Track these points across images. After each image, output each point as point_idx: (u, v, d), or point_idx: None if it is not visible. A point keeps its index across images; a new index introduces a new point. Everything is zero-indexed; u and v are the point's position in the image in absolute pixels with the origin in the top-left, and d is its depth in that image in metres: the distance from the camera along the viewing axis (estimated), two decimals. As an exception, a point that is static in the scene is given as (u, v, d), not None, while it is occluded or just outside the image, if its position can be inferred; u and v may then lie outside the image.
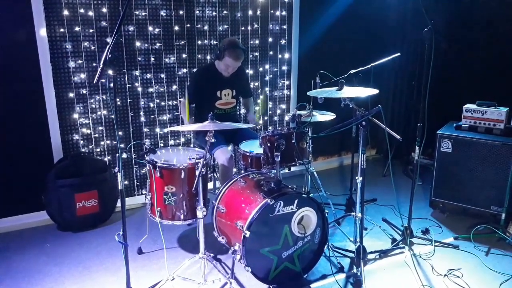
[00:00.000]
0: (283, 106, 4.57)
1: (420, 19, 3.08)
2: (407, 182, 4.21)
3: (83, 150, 3.64)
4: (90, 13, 3.43)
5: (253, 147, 3.18)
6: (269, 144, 2.78)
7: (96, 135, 3.67)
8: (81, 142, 3.62)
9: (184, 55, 3.87)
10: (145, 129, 3.86)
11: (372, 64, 3.29)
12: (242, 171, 3.10)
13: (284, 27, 4.32)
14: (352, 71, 3.28)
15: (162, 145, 3.96)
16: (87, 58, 3.50)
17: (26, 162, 3.41)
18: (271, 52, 4.31)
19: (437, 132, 3.59)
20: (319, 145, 4.66)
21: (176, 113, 3.95)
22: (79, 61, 3.48)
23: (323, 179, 3.84)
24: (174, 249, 3.16)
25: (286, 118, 4.47)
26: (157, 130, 3.92)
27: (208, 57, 3.97)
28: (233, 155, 3.40)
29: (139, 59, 3.70)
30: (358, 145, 2.70)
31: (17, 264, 2.97)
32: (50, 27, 3.32)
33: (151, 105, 3.84)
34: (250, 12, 4.09)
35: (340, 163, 5.14)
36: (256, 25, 4.16)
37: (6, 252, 3.12)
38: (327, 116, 3.40)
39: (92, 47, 3.50)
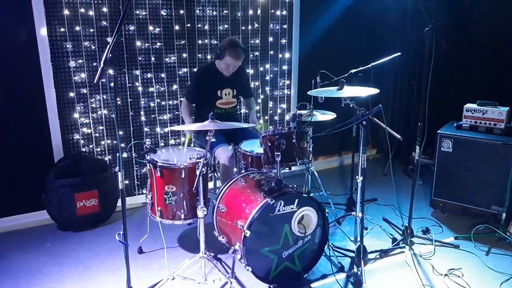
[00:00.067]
0: (284, 106, 4.57)
1: (420, 19, 3.09)
2: (408, 181, 4.21)
3: (83, 149, 3.64)
4: (91, 13, 3.43)
5: (253, 146, 3.18)
6: (269, 144, 2.78)
7: (97, 134, 3.67)
8: (82, 141, 3.62)
9: (184, 55, 3.87)
10: (146, 129, 3.86)
11: (372, 64, 3.29)
12: (243, 171, 3.10)
13: (285, 26, 4.32)
14: (353, 71, 3.28)
15: (162, 144, 3.96)
16: (87, 57, 3.50)
17: (27, 161, 3.41)
18: (271, 52, 4.31)
19: (438, 131, 3.59)
20: (320, 144, 4.66)
21: (176, 112, 3.95)
22: (80, 61, 3.48)
23: (323, 178, 3.84)
24: (174, 248, 3.16)
25: (287, 117, 4.47)
26: (158, 129, 3.92)
27: (209, 57, 3.97)
28: (234, 154, 3.39)
29: (140, 58, 3.70)
30: (359, 145, 2.70)
31: (17, 263, 2.98)
32: (51, 26, 3.32)
33: (152, 104, 3.84)
34: (250, 12, 4.09)
35: (341, 163, 5.14)
36: (256, 25, 4.16)
37: (6, 251, 3.12)
38: (327, 116, 3.40)
39: (93, 47, 3.50)
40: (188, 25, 3.83)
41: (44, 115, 3.42)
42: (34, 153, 3.44)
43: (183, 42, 3.84)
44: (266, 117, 4.46)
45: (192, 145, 3.68)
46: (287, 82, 4.51)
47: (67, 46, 3.41)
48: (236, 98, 3.61)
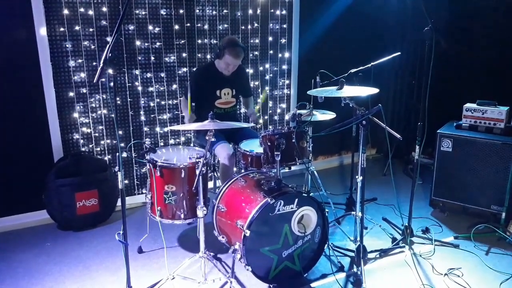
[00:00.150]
0: (283, 105, 4.57)
1: (420, 18, 3.08)
2: (407, 181, 4.21)
3: (83, 149, 3.64)
4: (90, 12, 3.43)
5: (253, 146, 3.18)
6: (269, 143, 2.78)
7: (96, 134, 3.67)
8: (81, 141, 3.62)
9: (184, 54, 3.87)
10: (145, 128, 3.86)
11: (372, 63, 3.29)
12: (243, 170, 3.10)
13: (284, 26, 4.32)
14: (352, 70, 3.28)
15: (162, 144, 3.96)
16: (87, 57, 3.50)
17: (26, 161, 3.41)
18: (271, 51, 4.31)
19: (437, 131, 3.59)
20: (319, 144, 4.66)
21: (176, 112, 3.95)
22: (79, 60, 3.48)
23: (323, 178, 3.84)
24: (174, 248, 3.16)
25: (286, 117, 4.47)
26: (157, 129, 3.92)
27: (208, 56, 3.96)
28: (234, 153, 3.39)
29: (139, 58, 3.70)
30: (358, 144, 2.70)
31: (18, 263, 2.98)
32: (50, 26, 3.31)
33: (151, 104, 3.84)
34: (250, 11, 4.09)
35: (340, 162, 5.14)
36: (256, 24, 4.16)
37: (6, 251, 3.12)
38: (327, 115, 3.40)
39: (92, 46, 3.49)
40: (188, 24, 3.83)
41: (44, 115, 3.42)
42: (34, 152, 3.44)
43: (182, 41, 3.84)
44: (266, 117, 4.46)
45: (192, 144, 3.68)
46: (287, 81, 4.51)
47: (67, 45, 3.41)
48: (235, 98, 3.60)
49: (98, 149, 3.70)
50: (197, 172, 2.63)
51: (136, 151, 3.86)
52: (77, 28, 3.41)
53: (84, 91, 3.55)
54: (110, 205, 3.58)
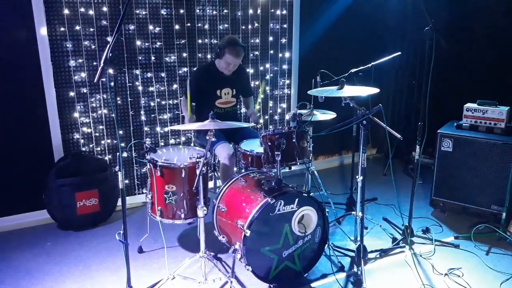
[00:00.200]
0: (284, 105, 4.57)
1: (420, 18, 3.08)
2: (408, 181, 4.21)
3: (83, 149, 3.64)
4: (91, 12, 3.43)
5: (253, 146, 3.18)
6: (269, 143, 2.78)
7: (97, 134, 3.67)
8: (82, 141, 3.62)
9: (184, 54, 3.87)
10: (146, 128, 3.86)
11: (372, 63, 3.29)
12: (243, 170, 3.10)
13: (285, 26, 4.32)
14: (353, 70, 3.28)
15: (162, 144, 3.96)
16: (87, 57, 3.50)
17: (27, 161, 3.41)
18: (271, 51, 4.31)
19: (438, 131, 3.59)
20: (320, 144, 4.66)
21: (176, 112, 3.95)
22: (80, 60, 3.48)
23: (323, 178, 3.84)
24: (174, 248, 3.16)
25: (287, 117, 4.47)
26: (158, 129, 3.92)
27: (209, 56, 3.96)
28: (234, 153, 3.39)
29: (140, 58, 3.70)
30: (359, 144, 2.70)
31: (18, 263, 2.98)
32: (51, 26, 3.32)
33: (152, 104, 3.84)
34: (250, 11, 4.09)
35: (341, 162, 5.14)
36: (256, 24, 4.16)
37: (6, 251, 3.12)
38: (327, 115, 3.40)
39: (93, 46, 3.50)
40: (188, 24, 3.83)
41: (44, 115, 3.42)
42: (34, 152, 3.44)
43: (183, 41, 3.84)
44: (266, 117, 4.45)
45: (192, 144, 3.68)
46: (287, 81, 4.51)
47: (67, 45, 3.41)
48: (235, 98, 3.60)
49: (99, 149, 3.70)
50: (198, 172, 2.63)
51: (136, 151, 3.86)
52: (77, 28, 3.41)
53: (85, 91, 3.55)
54: (110, 205, 3.58)
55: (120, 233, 2.29)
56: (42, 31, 3.28)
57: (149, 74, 3.77)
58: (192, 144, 3.94)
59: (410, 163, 4.71)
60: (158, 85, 3.82)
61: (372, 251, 3.03)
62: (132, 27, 3.61)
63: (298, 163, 2.84)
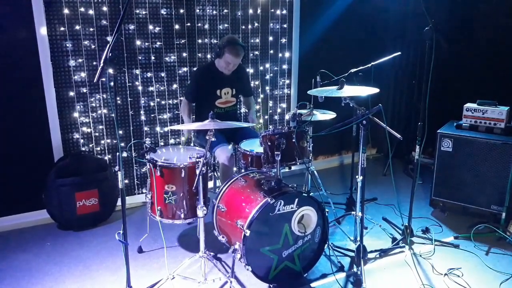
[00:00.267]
0: (284, 105, 4.57)
1: (420, 18, 3.08)
2: (408, 181, 4.21)
3: (83, 149, 3.64)
4: (91, 12, 3.43)
5: (253, 146, 3.18)
6: (269, 143, 2.78)
7: (97, 134, 3.67)
8: (82, 141, 3.62)
9: (184, 54, 3.87)
10: (146, 128, 3.86)
11: (372, 63, 3.29)
12: (243, 170, 3.10)
13: (285, 26, 4.32)
14: (353, 70, 3.28)
15: (162, 144, 3.96)
16: (87, 56, 3.50)
17: (26, 161, 3.41)
18: (271, 51, 4.31)
19: (438, 131, 3.59)
20: (320, 144, 4.66)
21: (176, 112, 3.95)
22: (80, 60, 3.48)
23: (323, 178, 3.84)
24: (174, 248, 3.16)
25: (287, 117, 4.46)
26: (158, 129, 3.92)
27: (209, 56, 3.96)
28: (233, 154, 3.39)
29: (140, 58, 3.69)
30: (359, 144, 2.70)
31: (18, 263, 2.98)
32: (51, 25, 3.31)
33: (152, 104, 3.84)
34: (250, 11, 4.09)
35: (341, 162, 5.14)
36: (256, 24, 4.16)
37: (6, 251, 3.12)
38: (327, 115, 3.40)
39: (93, 46, 3.49)
40: (188, 24, 3.82)
41: (44, 114, 3.42)
42: (34, 152, 3.44)
43: (183, 41, 3.84)
44: (266, 117, 4.46)
45: (192, 144, 3.68)
46: (287, 81, 4.51)
47: (67, 45, 3.41)
48: (235, 98, 3.60)
49: (98, 148, 3.70)
50: (197, 172, 2.63)
51: (136, 150, 3.86)
52: (77, 27, 3.41)
53: (84, 90, 3.55)
54: (110, 205, 3.58)
55: (119, 233, 2.29)
56: (42, 30, 3.28)
57: (149, 74, 3.77)
58: (192, 144, 3.93)
59: (410, 163, 4.71)
60: (158, 85, 3.82)
61: (371, 251, 3.03)
62: (132, 27, 3.61)
63: (298, 163, 2.84)
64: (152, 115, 3.86)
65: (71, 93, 3.51)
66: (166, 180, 2.81)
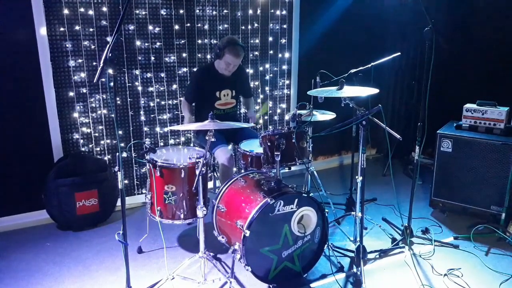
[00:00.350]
0: (283, 106, 4.57)
1: (420, 18, 3.08)
2: (407, 181, 4.21)
3: (83, 149, 3.64)
4: (90, 12, 3.43)
5: (253, 146, 3.18)
6: (269, 144, 2.78)
7: (96, 134, 3.67)
8: (81, 141, 3.62)
9: (184, 54, 3.87)
10: (145, 128, 3.86)
11: (372, 64, 3.29)
12: (242, 171, 3.10)
13: (285, 26, 4.32)
14: (353, 71, 3.29)
15: (162, 144, 3.96)
16: (87, 57, 3.50)
17: (26, 161, 3.41)
18: (271, 52, 4.31)
19: (437, 131, 3.59)
20: (319, 144, 4.66)
21: (176, 112, 3.95)
22: (79, 60, 3.48)
23: (323, 178, 3.84)
24: (174, 248, 3.16)
25: (286, 117, 4.47)
26: (157, 129, 3.92)
27: (208, 56, 3.96)
28: (233, 154, 3.40)
29: (139, 58, 3.69)
30: (358, 145, 2.70)
31: (17, 263, 2.97)
32: (50, 26, 3.31)
33: (151, 104, 3.84)
34: (250, 11, 4.09)
35: (340, 163, 5.14)
36: (256, 24, 4.16)
37: (6, 251, 3.12)
38: (327, 116, 3.40)
39: (92, 46, 3.49)
40: (188, 24, 3.83)
41: (44, 115, 3.42)
42: (34, 152, 3.44)
43: (182, 41, 3.84)
44: (266, 117, 4.45)
45: (192, 144, 3.68)
46: (287, 82, 4.51)
47: (67, 45, 3.41)
48: (235, 99, 3.60)
49: (98, 149, 3.70)
50: (197, 172, 2.63)
51: (136, 151, 3.86)
52: (77, 28, 3.41)
53: (84, 91, 3.55)
54: (110, 205, 3.58)
55: (119, 234, 2.29)
56: (42, 31, 3.28)
57: (148, 74, 3.77)
58: (191, 145, 3.93)
59: (409, 163, 4.72)
60: (158, 85, 3.82)
61: (371, 252, 3.03)
62: (131, 27, 3.61)
63: (297, 164, 2.84)
64: (152, 116, 3.86)
65: (71, 94, 3.51)
66: (166, 181, 2.81)
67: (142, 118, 3.82)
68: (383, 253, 3.07)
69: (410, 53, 4.86)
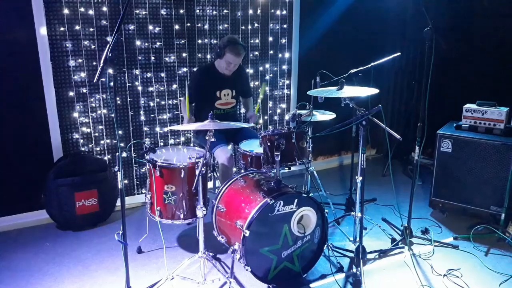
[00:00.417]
0: (283, 106, 4.57)
1: (420, 19, 3.09)
2: (407, 182, 4.21)
3: (83, 149, 3.64)
4: (90, 12, 3.43)
5: (253, 146, 3.18)
6: (269, 144, 2.78)
7: (96, 134, 3.67)
8: (81, 141, 3.62)
9: (184, 54, 3.87)
10: (145, 128, 3.86)
11: (372, 64, 3.29)
12: (242, 171, 3.10)
13: (285, 26, 4.32)
14: (352, 71, 3.28)
15: (162, 144, 3.96)
16: (87, 57, 3.50)
17: (26, 161, 3.41)
18: (271, 51, 4.31)
19: (437, 132, 3.59)
20: (319, 144, 4.67)
21: (176, 112, 3.95)
22: (79, 60, 3.48)
23: (323, 178, 3.84)
24: (173, 248, 3.16)
25: (286, 117, 4.46)
26: (157, 129, 3.91)
27: (209, 56, 3.96)
28: (233, 154, 3.40)
29: (139, 58, 3.69)
30: (358, 145, 2.70)
31: (17, 263, 2.97)
32: (50, 25, 3.31)
33: (151, 104, 3.84)
34: (250, 11, 4.09)
35: (340, 163, 5.14)
36: (256, 24, 4.16)
37: (5, 251, 3.12)
38: (327, 116, 3.40)
39: (92, 46, 3.49)
40: (188, 24, 3.83)
41: (44, 115, 3.42)
42: (34, 152, 3.44)
43: (183, 41, 3.84)
44: (266, 117, 4.45)
45: (191, 144, 3.67)
46: (287, 82, 4.51)
47: (67, 45, 3.41)
48: (235, 99, 3.60)
49: (98, 149, 3.70)
50: (197, 172, 2.63)
51: (135, 151, 3.86)
52: (77, 27, 3.41)
53: (84, 90, 3.55)
54: (109, 205, 3.58)
55: (119, 234, 2.29)
56: (42, 30, 3.28)
57: (148, 74, 3.77)
58: (191, 145, 3.93)
59: (409, 163, 4.72)
60: (158, 85, 3.82)
61: (371, 252, 3.03)
62: (132, 27, 3.61)
63: (297, 164, 2.84)
64: (152, 115, 3.86)
65: (71, 93, 3.51)
66: (166, 181, 2.80)
67: (142, 118, 3.82)
68: (383, 253, 3.07)
69: (410, 53, 4.86)
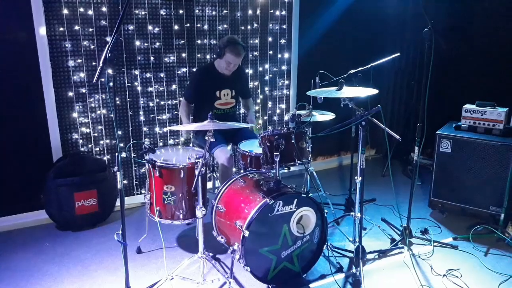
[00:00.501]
0: (283, 106, 4.57)
1: (420, 19, 3.09)
2: (407, 182, 4.21)
3: (82, 149, 3.63)
4: (90, 12, 3.43)
5: (252, 146, 3.19)
6: (268, 144, 2.78)
7: (96, 134, 3.67)
8: (81, 141, 3.62)
9: (183, 55, 3.87)
10: (145, 129, 3.86)
11: (371, 64, 3.30)
12: (242, 171, 3.10)
13: (284, 26, 4.32)
14: (352, 71, 3.29)
15: (161, 144, 3.96)
16: (86, 57, 3.50)
17: (25, 161, 3.41)
18: (270, 52, 4.31)
19: (437, 132, 3.59)
20: (319, 145, 4.67)
21: (175, 112, 3.95)
22: (79, 60, 3.48)
23: (322, 179, 3.84)
24: (173, 248, 3.16)
25: (286, 117, 4.45)
26: (157, 129, 3.91)
27: (208, 56, 3.96)
28: (232, 154, 3.40)
29: (139, 58, 3.69)
30: (358, 145, 2.70)
31: (16, 263, 2.97)
32: (50, 26, 3.31)
33: (151, 104, 3.84)
34: (250, 12, 4.09)
35: (340, 163, 5.15)
36: (256, 25, 4.16)
37: (5, 251, 3.12)
38: (326, 116, 3.40)
39: (92, 46, 3.49)
40: (188, 25, 3.83)
41: (43, 115, 3.42)
42: (33, 152, 3.44)
43: (182, 42, 3.84)
44: (265, 117, 4.46)
45: (191, 144, 3.67)
46: (286, 82, 4.51)
47: (66, 45, 3.41)
48: (234, 99, 3.60)
49: (97, 149, 3.70)
50: (196, 172, 2.63)
51: (135, 151, 3.86)
52: (76, 28, 3.41)
53: (84, 91, 3.55)
54: (109, 205, 3.58)
55: (118, 234, 2.29)
56: (41, 31, 3.28)
57: (148, 75, 3.77)
58: (191, 145, 3.93)
59: (409, 164, 4.72)
60: (157, 85, 3.82)
61: (370, 252, 3.03)
62: (131, 27, 3.61)
63: (297, 164, 2.84)
64: (151, 116, 3.86)
65: (70, 94, 3.51)
66: (165, 181, 2.80)
67: (142, 118, 3.82)
68: (382, 253, 3.07)
69: (410, 54, 4.86)
